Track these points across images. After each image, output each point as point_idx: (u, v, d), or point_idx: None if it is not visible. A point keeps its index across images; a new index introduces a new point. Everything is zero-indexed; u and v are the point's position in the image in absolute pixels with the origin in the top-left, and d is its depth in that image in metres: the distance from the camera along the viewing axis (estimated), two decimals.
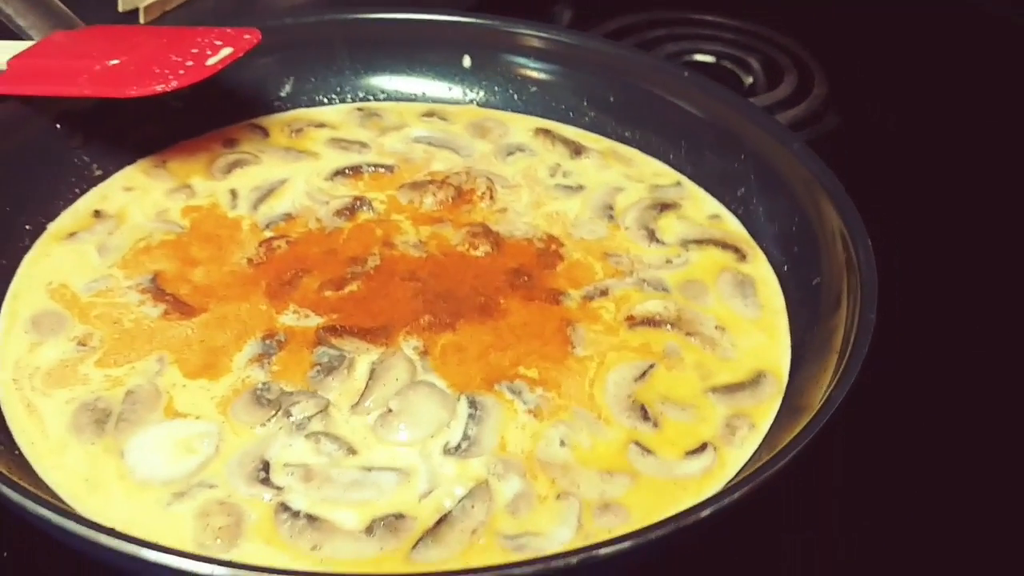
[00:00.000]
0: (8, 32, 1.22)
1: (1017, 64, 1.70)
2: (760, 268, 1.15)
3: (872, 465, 1.06)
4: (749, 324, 1.09)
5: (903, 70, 1.68)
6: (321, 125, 1.34)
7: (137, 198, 1.20)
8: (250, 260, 1.12)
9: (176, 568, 0.74)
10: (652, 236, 1.18)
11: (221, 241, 1.15)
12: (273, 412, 0.95)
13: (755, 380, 1.02)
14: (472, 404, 0.97)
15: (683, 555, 0.90)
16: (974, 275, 1.28)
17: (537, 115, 1.36)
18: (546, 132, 1.33)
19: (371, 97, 1.39)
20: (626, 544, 0.76)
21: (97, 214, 1.17)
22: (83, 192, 1.20)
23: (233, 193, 1.21)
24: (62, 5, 1.25)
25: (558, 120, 1.35)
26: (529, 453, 0.94)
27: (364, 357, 1.01)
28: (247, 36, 1.17)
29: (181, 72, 1.11)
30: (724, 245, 1.18)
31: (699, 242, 1.18)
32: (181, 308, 1.06)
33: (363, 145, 1.31)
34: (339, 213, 1.18)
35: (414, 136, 1.33)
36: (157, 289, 1.08)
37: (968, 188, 1.44)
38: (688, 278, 1.14)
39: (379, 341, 1.02)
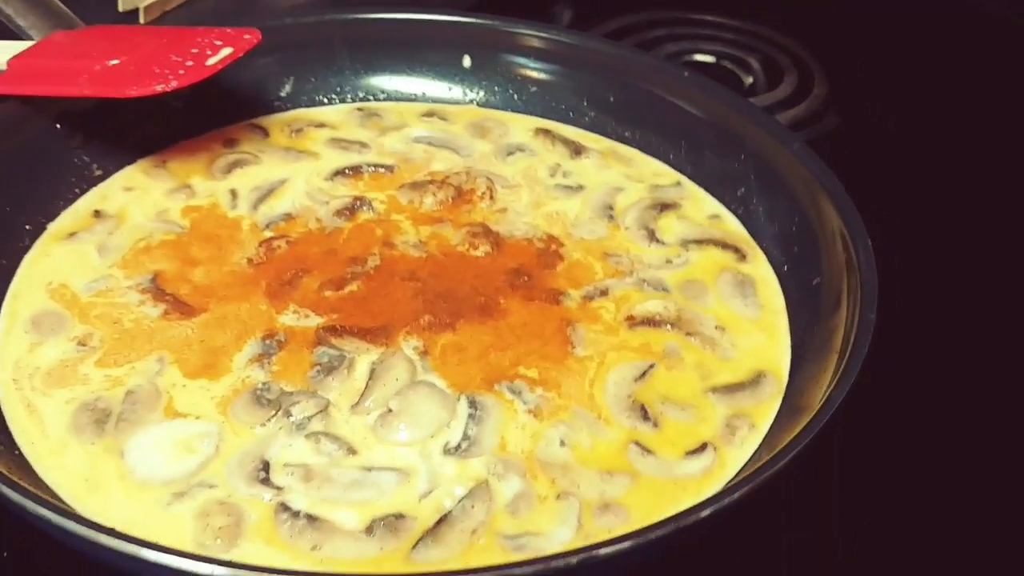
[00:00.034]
0: (8, 32, 1.22)
1: (1017, 64, 1.70)
2: (760, 268, 1.15)
3: (872, 465, 1.06)
4: (749, 324, 1.09)
5: (903, 70, 1.69)
6: (321, 125, 1.34)
7: (137, 198, 1.20)
8: (250, 260, 1.12)
9: (176, 568, 0.74)
10: (652, 236, 1.18)
11: (221, 241, 1.15)
12: (273, 412, 0.95)
13: (755, 380, 1.02)
14: (472, 404, 0.97)
15: (683, 555, 0.90)
16: (974, 275, 1.28)
17: (537, 115, 1.36)
18: (546, 132, 1.33)
19: (371, 97, 1.39)
20: (626, 544, 0.77)
21: (97, 214, 1.17)
22: (83, 192, 1.20)
23: (233, 193, 1.21)
24: (62, 5, 1.25)
25: (558, 120, 1.35)
26: (529, 453, 0.94)
27: (364, 357, 1.01)
28: (247, 36, 1.17)
29: (181, 72, 1.11)
30: (724, 245, 1.17)
31: (699, 242, 1.18)
32: (181, 308, 1.06)
33: (363, 145, 1.31)
34: (339, 213, 1.18)
35: (414, 136, 1.33)
36: (157, 289, 1.08)
37: (968, 188, 1.44)
38: (688, 278, 1.14)
39: (379, 341, 1.02)
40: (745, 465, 0.94)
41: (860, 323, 0.95)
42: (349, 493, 0.89)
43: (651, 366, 1.03)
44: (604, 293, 1.10)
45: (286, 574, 0.79)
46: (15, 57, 1.16)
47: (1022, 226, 1.38)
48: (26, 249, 1.12)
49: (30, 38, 1.21)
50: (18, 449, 0.92)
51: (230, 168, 1.25)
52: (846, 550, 1.01)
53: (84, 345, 1.02)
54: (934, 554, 1.01)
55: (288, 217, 1.18)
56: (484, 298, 1.07)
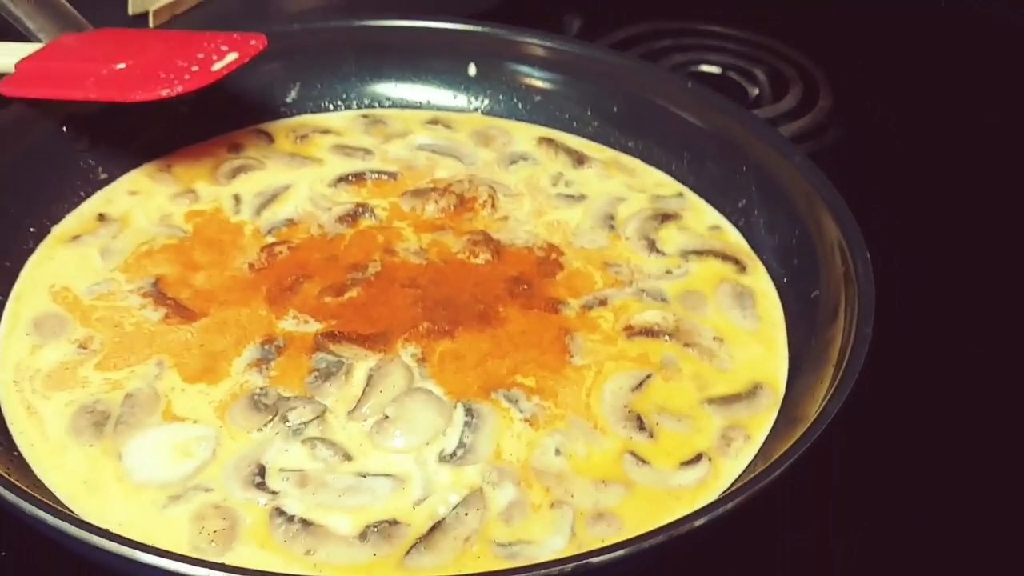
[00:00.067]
0: (17, 34, 1.22)
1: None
2: (760, 280, 1.16)
3: (868, 476, 1.06)
4: (747, 336, 1.09)
5: (908, 83, 1.69)
6: (326, 131, 1.34)
7: (141, 202, 1.21)
8: (251, 265, 1.12)
9: (170, 571, 0.74)
10: (652, 246, 1.18)
11: (223, 246, 1.15)
12: (270, 417, 0.96)
13: (752, 391, 1.03)
14: (468, 412, 0.97)
15: (677, 564, 0.90)
16: (974, 288, 1.28)
17: (541, 124, 1.37)
18: (549, 141, 1.34)
19: (376, 104, 1.39)
20: (619, 553, 0.77)
21: (101, 217, 1.18)
22: (88, 195, 1.21)
23: (237, 198, 1.22)
24: (71, 8, 1.26)
25: (562, 129, 1.36)
26: (524, 461, 0.94)
27: (362, 363, 1.01)
28: (253, 42, 1.18)
29: (187, 77, 1.12)
30: (724, 256, 1.18)
31: (699, 253, 1.18)
32: (182, 312, 1.06)
33: (367, 152, 1.31)
34: (341, 219, 1.19)
35: (418, 143, 1.34)
36: (158, 293, 1.08)
37: (972, 202, 1.44)
38: (687, 289, 1.14)
39: (377, 348, 1.02)
40: (740, 476, 0.95)
41: (857, 336, 0.95)
42: (344, 499, 0.90)
43: (648, 376, 1.03)
44: (603, 303, 1.10)
45: None
46: (24, 59, 1.17)
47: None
48: (30, 251, 1.13)
49: (39, 41, 1.21)
50: (17, 450, 0.93)
51: (234, 173, 1.26)
52: (841, 561, 1.01)
53: (85, 348, 1.02)
54: (929, 564, 1.01)
55: (290, 223, 1.19)
56: (483, 306, 1.08)
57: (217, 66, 1.14)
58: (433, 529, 0.88)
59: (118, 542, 0.75)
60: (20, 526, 0.80)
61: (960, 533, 1.03)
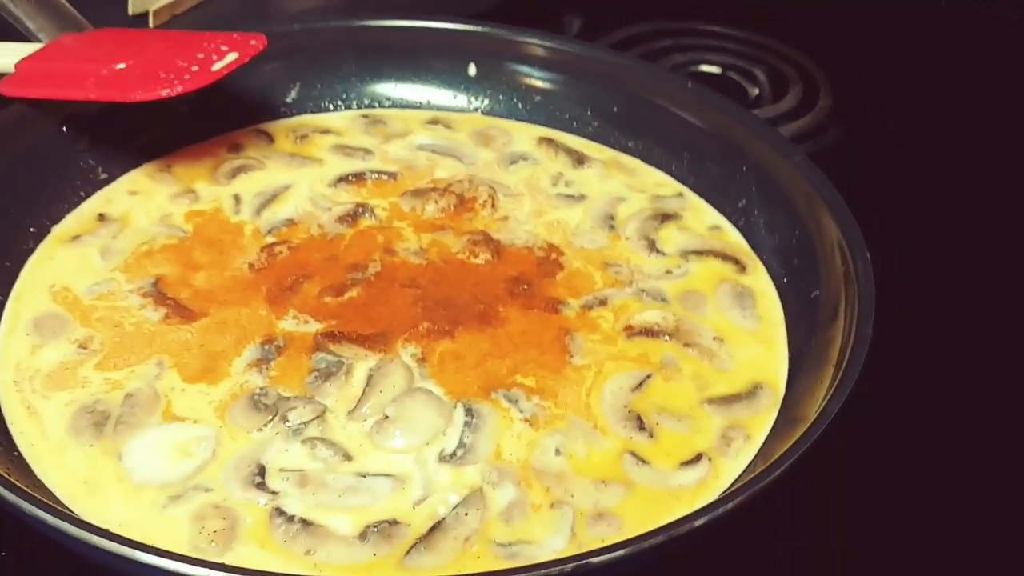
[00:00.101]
0: (17, 34, 1.22)
1: None
2: (760, 280, 1.16)
3: (868, 476, 1.06)
4: (747, 336, 1.09)
5: (908, 83, 1.69)
6: (326, 131, 1.34)
7: (141, 202, 1.21)
8: (251, 265, 1.12)
9: (170, 571, 0.74)
10: (652, 246, 1.18)
11: (223, 246, 1.15)
12: (270, 417, 0.96)
13: (752, 391, 1.03)
14: (468, 412, 0.97)
15: (677, 565, 0.90)
16: (974, 288, 1.29)
17: (541, 124, 1.37)
18: (549, 141, 1.34)
19: (376, 104, 1.39)
20: (619, 553, 0.77)
21: (101, 217, 1.18)
22: (88, 195, 1.21)
23: (237, 198, 1.22)
24: (71, 8, 1.26)
25: (562, 129, 1.36)
26: (524, 461, 0.94)
27: (362, 363, 1.01)
28: (253, 42, 1.18)
29: (187, 77, 1.12)
30: (724, 256, 1.18)
31: (699, 253, 1.18)
32: (182, 312, 1.06)
33: (367, 152, 1.31)
34: (341, 219, 1.19)
35: (418, 143, 1.34)
36: (158, 293, 1.08)
37: (972, 202, 1.44)
38: (687, 289, 1.14)
39: (377, 348, 1.02)
40: (740, 476, 0.95)
41: (856, 336, 0.95)
42: (344, 499, 0.90)
43: (648, 376, 1.03)
44: (603, 303, 1.10)
45: None
46: (24, 59, 1.17)
47: None
48: (30, 251, 1.13)
49: (39, 41, 1.22)
50: (17, 450, 0.93)
51: (234, 173, 1.26)
52: (841, 561, 1.01)
53: (85, 348, 1.02)
54: (929, 565, 1.01)
55: (290, 223, 1.19)
56: (483, 306, 1.08)
57: (217, 66, 1.14)
58: (433, 529, 0.88)
59: (118, 542, 0.75)
60: (20, 526, 0.80)
61: (960, 533, 1.03)
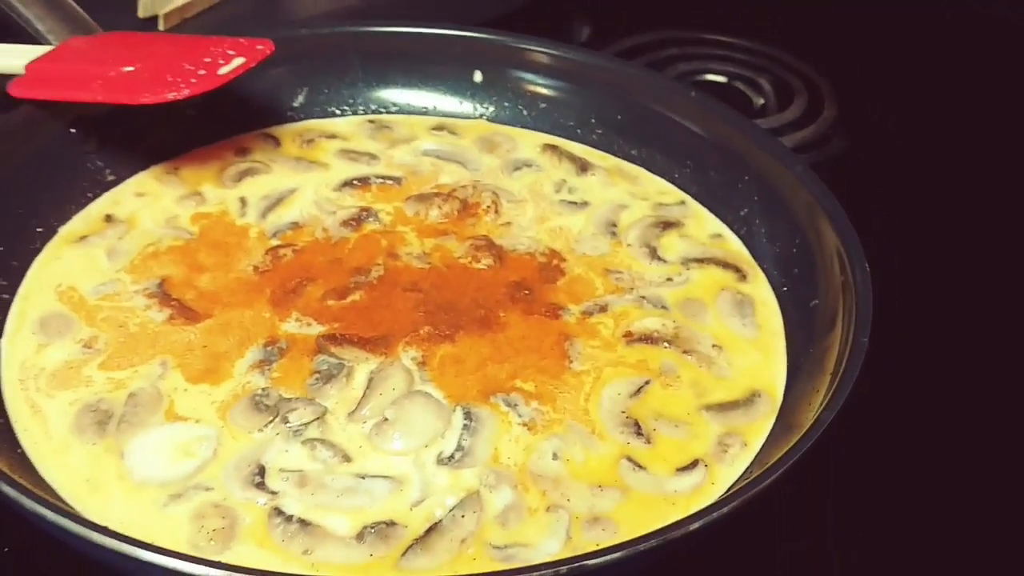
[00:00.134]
0: (27, 36, 1.24)
1: None
2: (760, 288, 1.16)
3: (864, 483, 1.06)
4: (746, 343, 1.10)
5: (911, 93, 1.70)
6: (332, 136, 1.35)
7: (148, 204, 1.22)
8: (256, 268, 1.13)
9: (168, 568, 0.75)
10: (654, 254, 1.19)
11: (228, 248, 1.16)
12: (271, 418, 0.96)
13: (749, 399, 1.03)
14: (467, 415, 0.98)
15: (672, 570, 0.91)
16: (973, 299, 1.29)
17: (545, 131, 1.38)
18: (553, 148, 1.34)
19: (383, 110, 1.40)
20: (614, 556, 0.78)
21: (108, 218, 1.19)
22: (95, 196, 1.22)
23: (243, 201, 1.23)
24: (81, 10, 1.27)
25: (566, 137, 1.37)
26: (522, 465, 0.95)
27: (363, 366, 1.02)
28: (260, 47, 1.19)
29: (193, 81, 1.13)
30: (725, 264, 1.18)
31: (700, 261, 1.19)
32: (186, 313, 1.07)
33: (372, 157, 1.32)
34: (345, 223, 1.20)
35: (423, 149, 1.34)
36: (163, 294, 1.09)
37: (976, 212, 1.44)
38: (688, 296, 1.14)
39: (378, 351, 1.03)
40: (735, 482, 0.95)
41: (853, 345, 0.96)
42: (342, 499, 0.91)
43: (647, 382, 1.04)
44: (603, 309, 1.11)
45: None
46: (33, 61, 1.18)
47: None
48: (37, 251, 1.14)
49: (49, 43, 1.23)
50: (20, 448, 0.94)
51: (241, 176, 1.27)
52: (838, 567, 1.01)
53: (89, 348, 1.03)
54: (924, 571, 1.02)
55: (295, 226, 1.20)
56: (484, 311, 1.09)
57: (224, 70, 1.15)
58: (430, 531, 0.88)
59: (118, 539, 0.76)
60: (22, 523, 0.81)
61: (956, 539, 1.03)
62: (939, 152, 1.55)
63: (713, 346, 1.08)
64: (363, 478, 0.92)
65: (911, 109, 1.65)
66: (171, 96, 1.11)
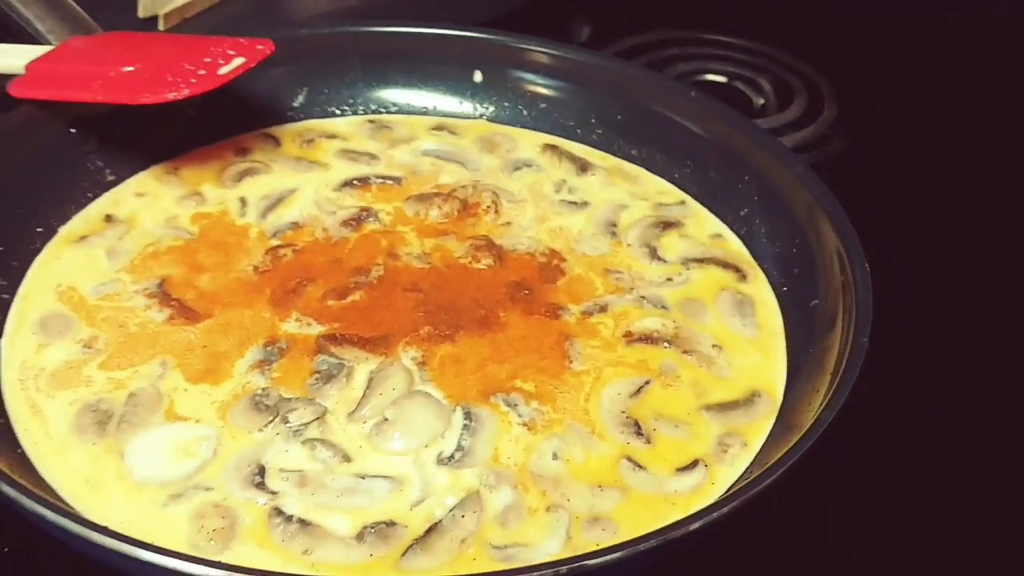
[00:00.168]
0: (28, 36, 1.24)
1: None
2: (760, 288, 1.16)
3: (865, 483, 1.06)
4: (746, 343, 1.10)
5: (911, 92, 1.70)
6: (332, 136, 1.35)
7: (148, 204, 1.22)
8: (256, 268, 1.13)
9: (169, 568, 0.75)
10: (654, 254, 1.19)
11: (228, 248, 1.16)
12: (271, 418, 0.96)
13: (749, 399, 1.03)
14: (467, 415, 0.98)
15: (672, 570, 0.91)
16: (974, 299, 1.29)
17: (545, 131, 1.38)
18: (553, 148, 1.34)
19: (383, 110, 1.40)
20: (614, 556, 0.78)
21: (108, 218, 1.19)
22: (95, 196, 1.22)
23: (243, 201, 1.23)
24: (81, 11, 1.27)
25: (566, 137, 1.37)
26: (522, 465, 0.95)
27: (363, 366, 1.02)
28: (260, 47, 1.19)
29: (193, 81, 1.13)
30: (725, 265, 1.18)
31: (700, 261, 1.19)
32: (186, 313, 1.07)
33: (372, 157, 1.32)
34: (345, 223, 1.20)
35: (423, 149, 1.35)
36: (163, 294, 1.09)
37: (977, 212, 1.44)
38: (688, 296, 1.14)
39: (378, 351, 1.03)
40: (735, 482, 0.95)
41: (853, 345, 0.96)
42: (342, 499, 0.91)
43: (647, 382, 1.04)
44: (603, 309, 1.11)
45: None
46: (33, 61, 1.18)
47: None
48: (37, 251, 1.14)
49: (49, 43, 1.23)
50: (20, 448, 0.94)
51: (241, 176, 1.27)
52: (838, 567, 1.01)
53: (89, 348, 1.03)
54: (923, 570, 1.02)
55: (295, 226, 1.20)
56: (484, 311, 1.09)
57: (223, 70, 1.15)
58: (430, 531, 0.88)
59: (118, 539, 0.76)
60: (22, 523, 0.81)
61: (956, 539, 1.03)
62: (939, 152, 1.55)
63: (713, 346, 1.08)
64: (363, 478, 0.92)
65: (911, 109, 1.65)
66: (171, 96, 1.11)
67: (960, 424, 1.14)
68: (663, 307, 1.13)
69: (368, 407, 0.98)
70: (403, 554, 0.87)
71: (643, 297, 1.13)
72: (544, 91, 1.38)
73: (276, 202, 1.23)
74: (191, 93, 1.12)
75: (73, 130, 1.21)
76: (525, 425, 0.98)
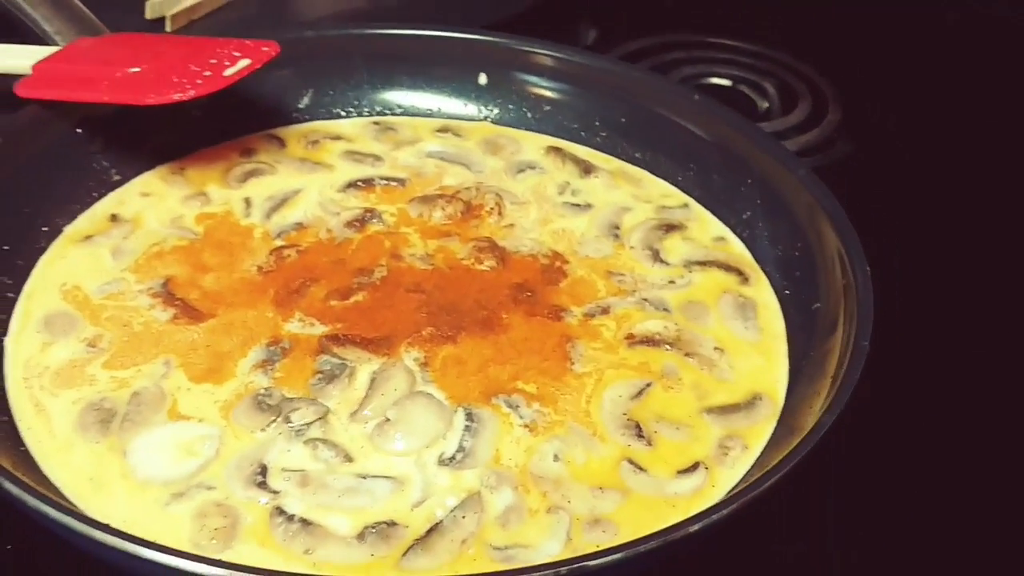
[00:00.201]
0: (35, 37, 1.24)
1: None
2: (762, 291, 1.16)
3: (866, 486, 1.06)
4: (748, 346, 1.10)
5: (915, 95, 1.70)
6: (337, 137, 1.36)
7: (153, 204, 1.22)
8: (260, 268, 1.14)
9: (170, 567, 0.75)
10: (656, 256, 1.19)
11: (233, 248, 1.17)
12: (273, 418, 0.97)
13: (751, 402, 1.03)
14: (469, 416, 0.98)
15: (672, 571, 0.91)
16: (977, 302, 1.29)
17: (549, 133, 1.38)
18: (557, 150, 1.35)
19: (387, 111, 1.41)
20: (614, 557, 0.78)
21: (114, 218, 1.20)
22: (101, 196, 1.22)
23: (247, 202, 1.23)
24: (88, 12, 1.28)
25: (570, 139, 1.37)
26: (523, 466, 0.95)
27: (365, 366, 1.02)
28: (265, 48, 1.19)
29: (199, 82, 1.13)
30: (727, 267, 1.18)
31: (703, 264, 1.19)
32: (190, 313, 1.08)
33: (377, 158, 1.32)
34: (349, 224, 1.20)
35: (427, 151, 1.35)
36: (168, 294, 1.10)
37: (981, 216, 1.44)
38: (690, 299, 1.15)
39: (381, 351, 1.04)
40: (736, 485, 0.95)
41: (854, 348, 0.96)
42: (343, 499, 0.91)
43: (648, 385, 1.04)
44: (605, 311, 1.11)
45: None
46: (40, 61, 1.19)
47: None
48: (42, 250, 1.14)
49: (55, 43, 1.23)
50: (24, 446, 0.94)
51: (246, 177, 1.27)
52: (839, 570, 1.02)
53: (93, 347, 1.04)
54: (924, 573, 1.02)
55: (299, 227, 1.20)
56: (487, 312, 1.09)
57: (229, 71, 1.15)
58: (430, 531, 0.89)
59: (120, 537, 0.76)
60: (24, 520, 0.82)
61: (956, 541, 1.03)
62: (943, 155, 1.55)
63: (715, 349, 1.09)
64: (364, 478, 0.93)
65: (914, 111, 1.65)
66: (177, 97, 1.12)
67: (961, 426, 1.14)
68: (665, 309, 1.13)
69: (370, 407, 0.98)
70: (404, 554, 0.87)
71: (645, 299, 1.13)
72: (548, 94, 1.38)
73: (281, 203, 1.24)
74: (197, 94, 1.12)
75: (79, 130, 1.21)
76: (526, 426, 0.98)
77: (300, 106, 1.38)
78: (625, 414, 1.01)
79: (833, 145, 1.56)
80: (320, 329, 1.06)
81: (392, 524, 0.89)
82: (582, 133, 1.37)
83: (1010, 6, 1.89)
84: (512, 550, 0.89)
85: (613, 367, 1.05)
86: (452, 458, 0.95)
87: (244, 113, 1.34)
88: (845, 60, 1.74)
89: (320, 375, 1.01)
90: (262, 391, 0.99)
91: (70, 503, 0.90)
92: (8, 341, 1.04)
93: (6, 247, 1.11)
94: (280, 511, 0.90)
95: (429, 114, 1.41)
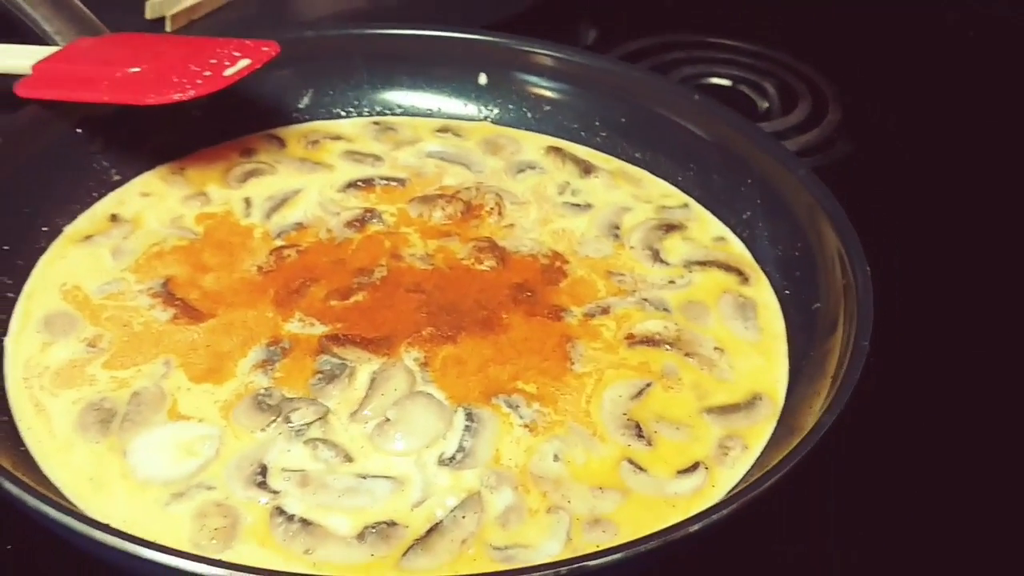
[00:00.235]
0: (35, 37, 1.24)
1: None
2: (762, 291, 1.16)
3: (866, 486, 1.06)
4: (748, 346, 1.10)
5: (915, 95, 1.70)
6: (337, 137, 1.36)
7: (153, 204, 1.22)
8: (260, 268, 1.14)
9: (170, 567, 0.75)
10: (656, 256, 1.19)
11: (233, 248, 1.17)
12: (273, 418, 0.97)
13: (751, 402, 1.03)
14: (469, 416, 0.98)
15: (671, 571, 0.91)
16: (977, 303, 1.29)
17: (549, 133, 1.38)
18: (557, 150, 1.35)
19: (387, 111, 1.41)
20: (614, 557, 0.78)
21: (114, 218, 1.20)
22: (101, 196, 1.22)
23: (247, 202, 1.23)
24: (88, 12, 1.28)
25: (570, 139, 1.37)
26: (523, 466, 0.95)
27: (365, 366, 1.02)
28: (265, 48, 1.19)
29: (199, 82, 1.13)
30: (727, 267, 1.18)
31: (703, 264, 1.19)
32: (190, 313, 1.08)
33: (377, 158, 1.32)
34: (349, 224, 1.20)
35: (427, 151, 1.35)
36: (168, 294, 1.10)
37: (979, 217, 1.44)
38: (690, 299, 1.15)
39: (381, 351, 1.04)
40: (736, 485, 0.95)
41: (854, 348, 0.96)
42: (343, 499, 0.91)
43: (648, 385, 1.04)
44: (605, 311, 1.11)
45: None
46: (40, 61, 1.19)
47: None
48: (42, 250, 1.14)
49: (55, 43, 1.23)
50: (24, 446, 0.94)
51: (246, 177, 1.27)
52: (839, 570, 1.02)
53: (93, 346, 1.04)
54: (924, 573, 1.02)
55: (299, 227, 1.20)
56: (487, 312, 1.09)
57: (229, 71, 1.15)
58: (430, 531, 0.89)
59: (120, 537, 0.76)
60: (24, 520, 0.82)
61: (956, 541, 1.03)
62: (943, 155, 1.55)
63: (715, 349, 1.09)
64: (364, 478, 0.93)
65: (914, 111, 1.65)
66: (177, 97, 1.12)
67: (961, 426, 1.14)
68: (665, 309, 1.13)
69: (370, 407, 0.98)
70: (404, 554, 0.87)
71: (645, 299, 1.13)
72: (548, 94, 1.38)
73: (280, 203, 1.24)
74: (196, 94, 1.12)
75: (79, 130, 1.21)
76: (526, 426, 0.98)
77: (300, 106, 1.38)
78: (625, 414, 1.01)
79: (833, 145, 1.56)
80: (320, 329, 1.06)
81: (392, 524, 0.89)
82: (582, 133, 1.37)
83: (1010, 6, 1.89)
84: (512, 550, 0.89)
85: (613, 367, 1.05)
86: (452, 458, 0.95)
87: (244, 113, 1.34)
88: (845, 60, 1.74)
89: (320, 375, 1.01)
90: (262, 391, 0.99)
91: (70, 503, 0.90)
92: (8, 341, 1.04)
93: (6, 247, 1.11)
94: (280, 511, 0.90)
95: (429, 114, 1.41)
